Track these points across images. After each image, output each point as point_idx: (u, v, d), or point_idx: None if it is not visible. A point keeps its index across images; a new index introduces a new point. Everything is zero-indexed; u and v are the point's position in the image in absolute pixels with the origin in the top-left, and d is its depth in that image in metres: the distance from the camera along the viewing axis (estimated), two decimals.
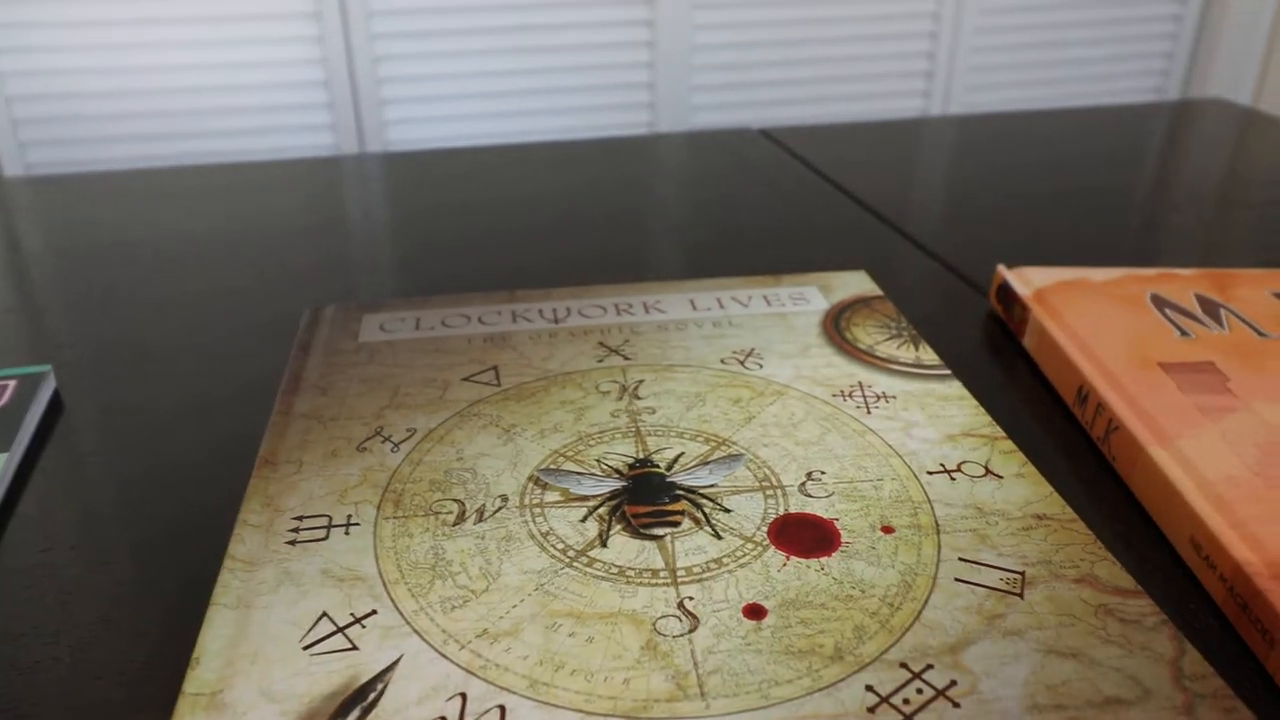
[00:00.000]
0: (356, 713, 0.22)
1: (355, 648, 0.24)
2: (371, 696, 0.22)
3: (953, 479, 0.30)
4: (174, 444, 0.36)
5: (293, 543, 0.27)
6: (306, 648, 0.24)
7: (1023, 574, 0.26)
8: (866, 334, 0.39)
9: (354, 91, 1.69)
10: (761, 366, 0.36)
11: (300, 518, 0.28)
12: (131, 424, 0.37)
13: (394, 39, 1.68)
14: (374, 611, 0.25)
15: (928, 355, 0.37)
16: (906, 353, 0.37)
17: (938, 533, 0.28)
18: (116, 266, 0.51)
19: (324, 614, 0.25)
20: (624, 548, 0.27)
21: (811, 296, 0.42)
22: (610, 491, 0.29)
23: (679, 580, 0.26)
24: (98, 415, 0.37)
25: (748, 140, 0.75)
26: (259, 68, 1.66)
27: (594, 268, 0.51)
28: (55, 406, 0.38)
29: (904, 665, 0.23)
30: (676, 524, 0.28)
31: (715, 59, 1.86)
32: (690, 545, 0.27)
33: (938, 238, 0.54)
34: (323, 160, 0.71)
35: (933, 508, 0.29)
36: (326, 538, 0.28)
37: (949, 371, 0.36)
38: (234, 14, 1.61)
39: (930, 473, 0.30)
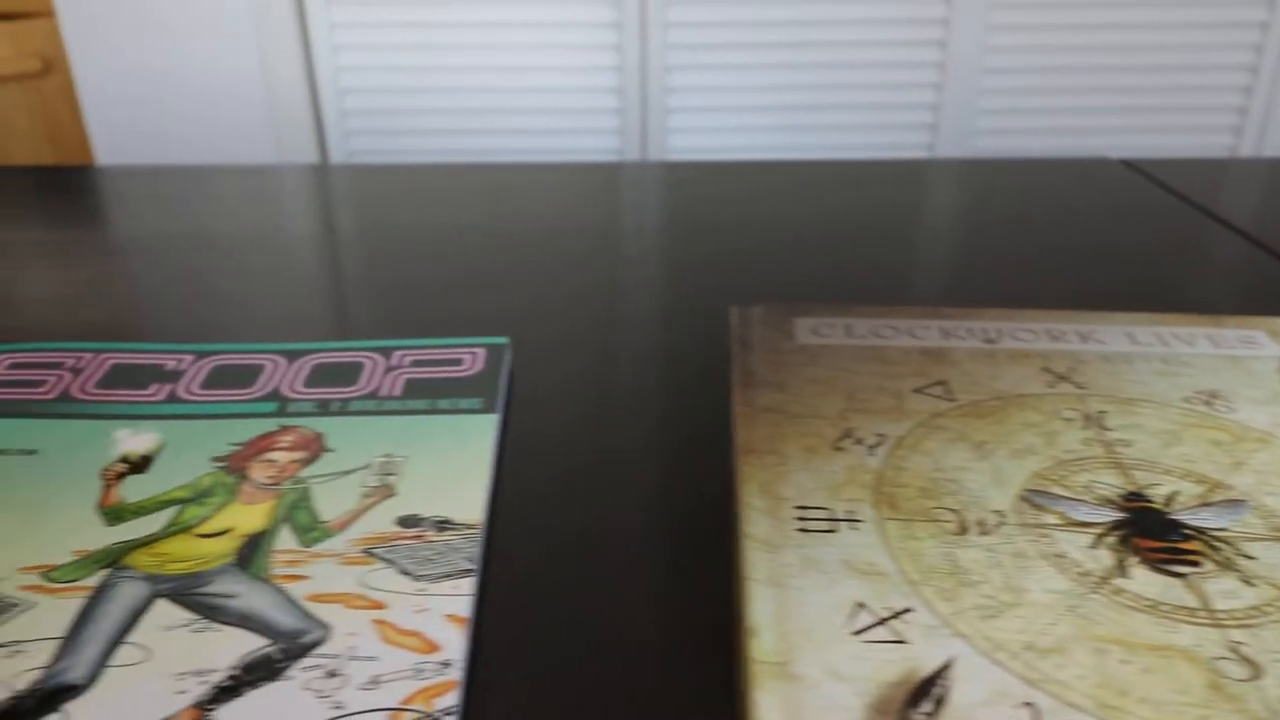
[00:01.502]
0: (928, 705, 0.23)
1: (904, 641, 0.25)
2: (938, 691, 0.23)
3: None
4: (622, 420, 0.38)
5: (803, 530, 0.29)
6: (855, 633, 0.25)
7: None
8: None
9: (643, 99, 1.76)
10: (1233, 410, 0.35)
11: (802, 507, 0.30)
12: (578, 396, 0.40)
13: (686, 50, 1.73)
14: (910, 609, 0.26)
15: None
16: None
17: None
18: (500, 252, 0.56)
19: (860, 604, 0.26)
20: (1147, 581, 0.26)
21: (1262, 341, 0.40)
22: (1112, 521, 0.29)
23: (1221, 623, 0.25)
24: (546, 387, 0.41)
25: (1107, 169, 0.71)
26: (558, 72, 1.75)
27: (976, 289, 0.50)
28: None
29: None
30: (1195, 564, 0.27)
31: (1006, 83, 1.79)
32: (1219, 588, 0.26)
33: None
34: (636, 165, 0.74)
35: None
36: (835, 530, 0.29)
37: None
38: (541, 20, 1.71)
39: None
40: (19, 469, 0.33)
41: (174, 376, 0.40)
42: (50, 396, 0.38)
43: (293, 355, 0.41)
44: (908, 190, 0.67)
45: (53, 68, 2.10)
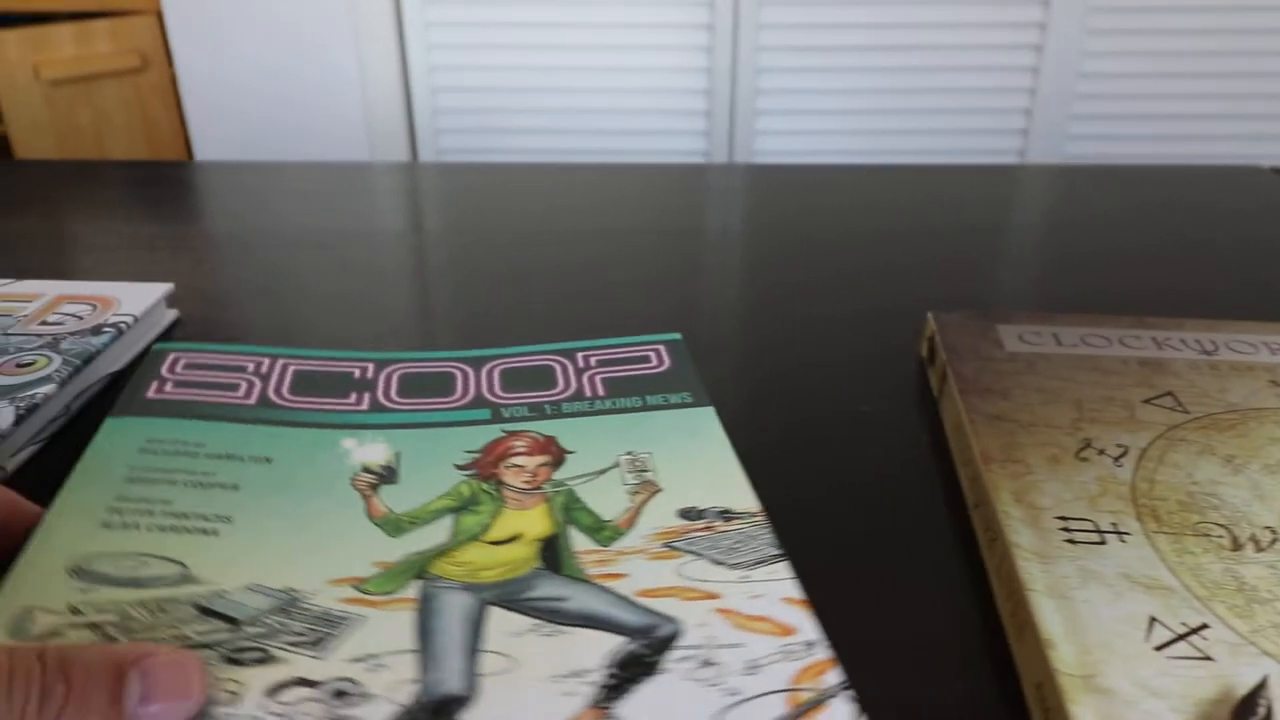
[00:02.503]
0: None
1: (1209, 658, 0.24)
2: (1261, 711, 0.23)
3: None
4: (819, 412, 0.38)
5: (1071, 542, 0.28)
6: (1157, 649, 0.24)
7: None
8: None
9: (732, 101, 1.75)
10: None
11: (1064, 518, 0.29)
12: (768, 392, 0.40)
13: (778, 52, 1.72)
14: (1206, 625, 0.25)
15: None
16: None
17: None
18: (629, 252, 0.56)
19: (1153, 618, 0.25)
20: None
21: None
22: None
23: None
24: (729, 382, 0.41)
25: (1259, 178, 0.70)
26: (648, 73, 1.76)
27: (1161, 298, 0.49)
28: None
29: None
30: None
31: (1102, 89, 1.76)
32: None
33: None
34: (733, 168, 0.73)
35: None
36: (1104, 542, 0.28)
37: None
38: (633, 21, 1.72)
39: None
40: (262, 478, 0.33)
41: (368, 385, 0.39)
42: (252, 402, 0.38)
43: (475, 362, 0.41)
44: (1063, 196, 0.66)
45: (149, 64, 2.16)
